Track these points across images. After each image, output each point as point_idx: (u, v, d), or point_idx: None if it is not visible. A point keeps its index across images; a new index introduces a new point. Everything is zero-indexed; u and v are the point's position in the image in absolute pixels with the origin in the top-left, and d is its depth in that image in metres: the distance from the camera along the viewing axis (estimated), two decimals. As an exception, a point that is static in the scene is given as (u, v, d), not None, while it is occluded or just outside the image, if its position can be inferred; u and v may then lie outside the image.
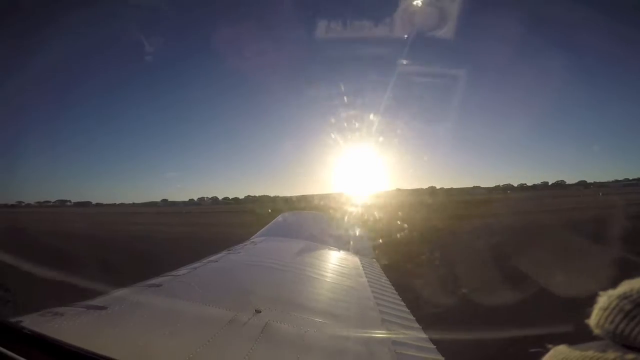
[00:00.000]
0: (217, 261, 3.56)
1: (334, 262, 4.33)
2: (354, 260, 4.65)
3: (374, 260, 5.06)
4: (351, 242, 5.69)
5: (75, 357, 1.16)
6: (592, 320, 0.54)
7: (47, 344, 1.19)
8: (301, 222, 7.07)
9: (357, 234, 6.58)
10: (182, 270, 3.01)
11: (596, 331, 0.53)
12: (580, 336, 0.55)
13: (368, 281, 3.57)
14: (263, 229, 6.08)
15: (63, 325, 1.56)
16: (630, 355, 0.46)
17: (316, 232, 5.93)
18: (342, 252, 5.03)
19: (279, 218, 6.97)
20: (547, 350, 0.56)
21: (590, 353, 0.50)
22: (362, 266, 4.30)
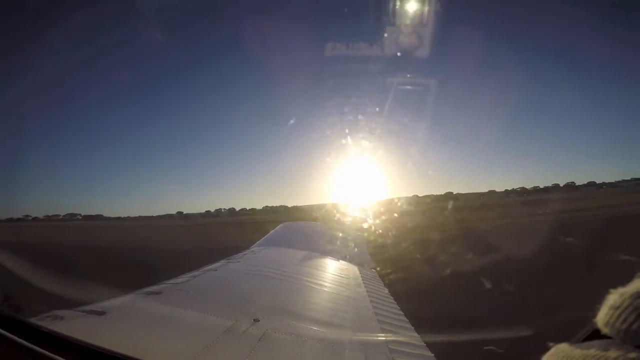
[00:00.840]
0: (216, 270, 3.56)
1: (333, 272, 4.31)
2: (353, 270, 4.63)
3: (374, 270, 5.03)
4: (351, 252, 5.66)
5: (81, 352, 1.17)
6: (601, 319, 0.51)
7: (58, 340, 1.20)
8: (301, 232, 7.05)
9: (358, 244, 6.56)
10: (182, 278, 3.01)
11: (605, 330, 0.51)
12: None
13: (367, 291, 3.55)
14: (262, 238, 6.07)
15: (61, 329, 1.56)
16: (633, 354, 0.45)
17: (316, 242, 5.91)
18: (341, 262, 5.01)
19: (279, 228, 6.96)
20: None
21: (592, 351, 0.48)
22: (362, 276, 4.28)
